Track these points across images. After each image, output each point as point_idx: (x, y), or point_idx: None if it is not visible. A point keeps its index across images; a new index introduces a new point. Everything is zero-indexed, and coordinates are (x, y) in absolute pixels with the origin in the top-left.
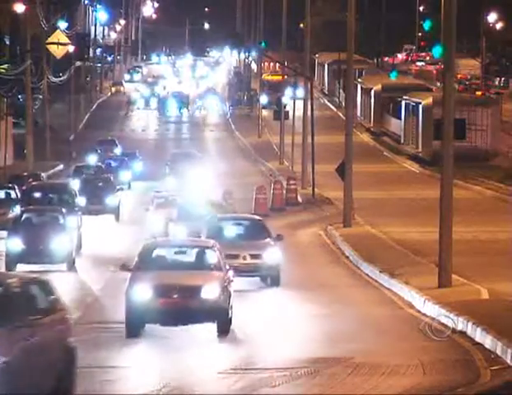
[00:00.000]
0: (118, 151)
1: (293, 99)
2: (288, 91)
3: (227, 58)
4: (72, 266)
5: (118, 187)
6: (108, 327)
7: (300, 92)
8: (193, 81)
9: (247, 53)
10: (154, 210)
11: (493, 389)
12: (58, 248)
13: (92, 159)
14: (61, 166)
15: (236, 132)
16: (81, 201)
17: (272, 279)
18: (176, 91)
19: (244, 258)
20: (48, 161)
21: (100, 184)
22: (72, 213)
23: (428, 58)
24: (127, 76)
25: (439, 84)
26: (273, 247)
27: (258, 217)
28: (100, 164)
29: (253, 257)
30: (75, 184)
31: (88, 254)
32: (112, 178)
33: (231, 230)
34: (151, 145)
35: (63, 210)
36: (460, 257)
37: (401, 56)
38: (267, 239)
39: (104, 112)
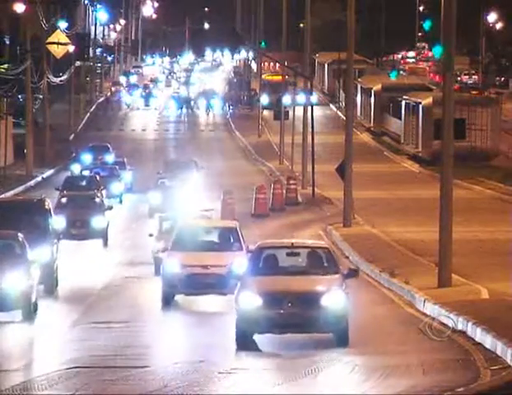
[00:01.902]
0: (110, 158)
1: (311, 106)
2: (301, 97)
3: (225, 62)
4: (30, 314)
5: (106, 205)
6: None
7: (314, 98)
8: (189, 86)
9: (247, 53)
10: (159, 236)
11: (493, 389)
12: (9, 289)
13: (76, 168)
14: (51, 171)
15: (236, 131)
16: (59, 222)
17: (336, 335)
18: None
19: (291, 305)
20: (38, 168)
21: (85, 202)
22: (42, 240)
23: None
24: (123, 79)
25: (429, 79)
26: (338, 287)
27: (324, 244)
28: (94, 175)
29: (305, 302)
30: (59, 200)
31: (64, 295)
32: (101, 193)
33: (280, 262)
34: (150, 145)
35: (20, 236)
36: (460, 257)
37: (413, 53)
38: (332, 276)
39: (103, 112)
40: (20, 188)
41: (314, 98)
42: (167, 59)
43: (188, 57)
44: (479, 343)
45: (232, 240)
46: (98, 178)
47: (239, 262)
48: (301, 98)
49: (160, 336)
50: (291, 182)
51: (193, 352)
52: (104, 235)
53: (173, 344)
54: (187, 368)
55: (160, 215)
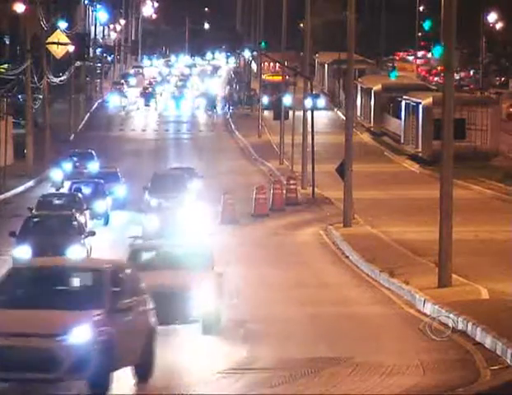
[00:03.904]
0: (95, 166)
1: (312, 110)
2: (308, 101)
3: (223, 65)
4: None
5: (87, 231)
6: None
7: (322, 102)
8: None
9: (250, 53)
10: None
11: (493, 389)
12: None
13: (57, 174)
14: (30, 183)
15: (236, 131)
16: (23, 252)
17: None
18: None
19: None
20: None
21: (59, 225)
22: None
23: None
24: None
25: (416, 74)
26: None
27: None
28: (75, 192)
29: None
30: (25, 223)
31: None
32: (84, 214)
33: None
34: (150, 145)
35: None
36: (460, 257)
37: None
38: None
39: (103, 112)
40: (21, 189)
41: (322, 102)
42: (162, 62)
43: (184, 59)
44: (479, 343)
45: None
46: (80, 195)
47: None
48: (309, 102)
49: (160, 337)
50: (291, 182)
51: (194, 352)
52: None
53: (173, 344)
54: (187, 368)
55: (130, 240)
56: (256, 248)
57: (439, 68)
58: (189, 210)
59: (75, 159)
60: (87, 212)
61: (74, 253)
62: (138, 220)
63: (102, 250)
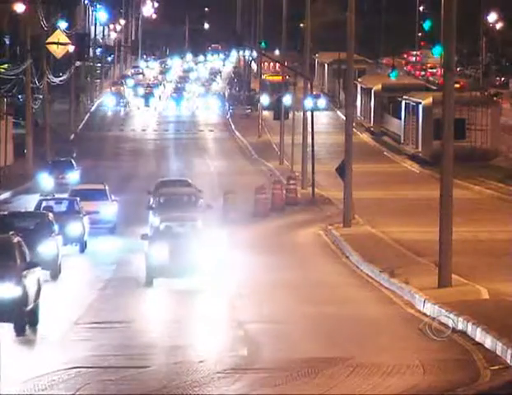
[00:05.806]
0: (74, 176)
1: (312, 111)
2: (309, 102)
3: (221, 67)
4: None
5: (26, 264)
6: None
7: (322, 103)
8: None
9: (247, 53)
10: None
11: (493, 389)
12: None
13: (48, 181)
14: (7, 195)
15: (236, 131)
16: None
17: None
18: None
19: None
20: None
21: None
22: None
23: None
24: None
25: (405, 68)
26: None
27: None
28: (46, 212)
29: None
30: None
31: None
32: (54, 239)
33: None
34: (150, 145)
35: None
36: (460, 257)
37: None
38: None
39: (103, 112)
40: (20, 189)
41: (322, 102)
42: (158, 64)
43: (182, 61)
44: (479, 343)
45: None
46: (51, 215)
47: None
48: (309, 102)
49: (160, 337)
50: (291, 182)
51: (193, 352)
52: (19, 317)
53: (173, 344)
54: (187, 368)
55: None
56: (256, 249)
57: (428, 65)
58: (204, 235)
59: (54, 168)
60: (59, 237)
61: (3, 292)
62: (132, 248)
63: (62, 288)
